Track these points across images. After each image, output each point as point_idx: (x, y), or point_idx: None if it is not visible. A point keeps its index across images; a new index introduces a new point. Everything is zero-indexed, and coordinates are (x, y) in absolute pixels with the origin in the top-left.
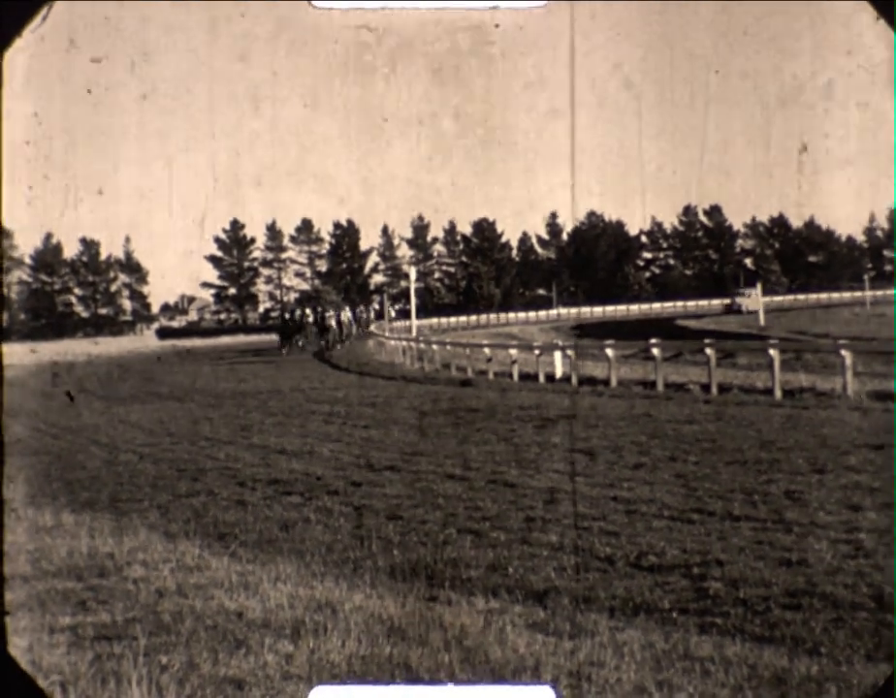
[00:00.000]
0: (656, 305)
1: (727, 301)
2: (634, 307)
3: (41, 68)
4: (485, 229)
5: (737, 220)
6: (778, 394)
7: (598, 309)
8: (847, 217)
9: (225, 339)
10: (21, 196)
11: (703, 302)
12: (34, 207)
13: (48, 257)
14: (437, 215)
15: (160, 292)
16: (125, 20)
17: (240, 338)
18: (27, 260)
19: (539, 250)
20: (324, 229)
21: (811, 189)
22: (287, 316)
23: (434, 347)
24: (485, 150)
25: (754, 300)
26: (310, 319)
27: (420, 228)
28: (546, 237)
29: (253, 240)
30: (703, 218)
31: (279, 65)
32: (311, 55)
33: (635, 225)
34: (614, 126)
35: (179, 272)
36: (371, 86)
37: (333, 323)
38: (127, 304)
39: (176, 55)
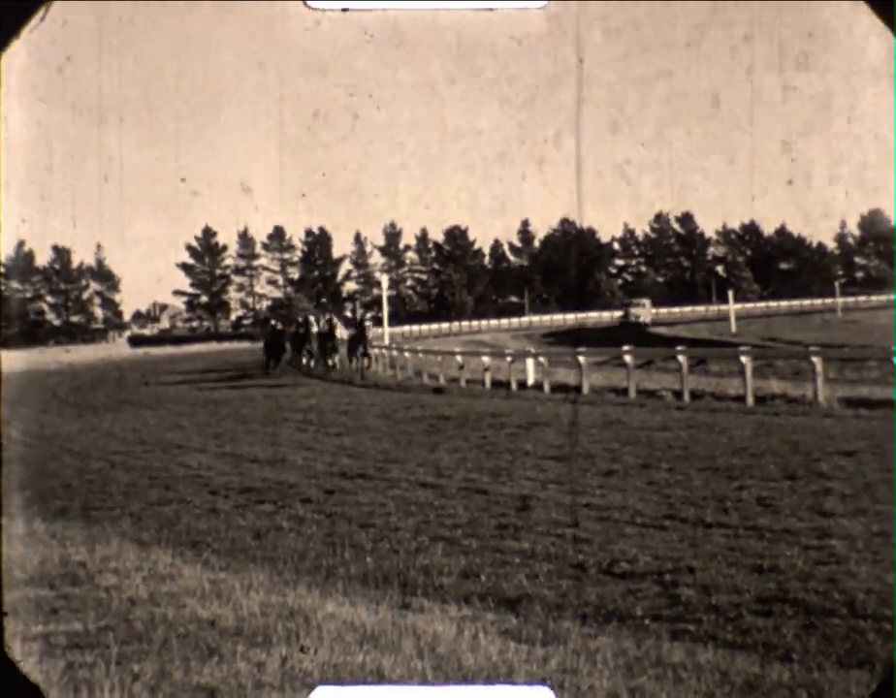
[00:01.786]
0: None
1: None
2: (606, 314)
3: (40, 69)
4: (457, 236)
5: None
6: (750, 400)
7: (571, 316)
8: (828, 223)
9: (197, 347)
10: (18, 199)
11: (675, 309)
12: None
13: (20, 265)
14: (409, 222)
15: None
16: (120, 21)
17: (213, 346)
18: None
19: (511, 257)
20: (296, 236)
21: (812, 194)
22: (278, 326)
23: (407, 355)
24: (471, 154)
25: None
26: (315, 329)
27: (392, 235)
28: (518, 244)
29: (225, 248)
30: (675, 225)
31: (270, 66)
32: (302, 56)
33: (607, 232)
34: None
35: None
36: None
37: (370, 333)
38: (99, 312)
39: (171, 55)
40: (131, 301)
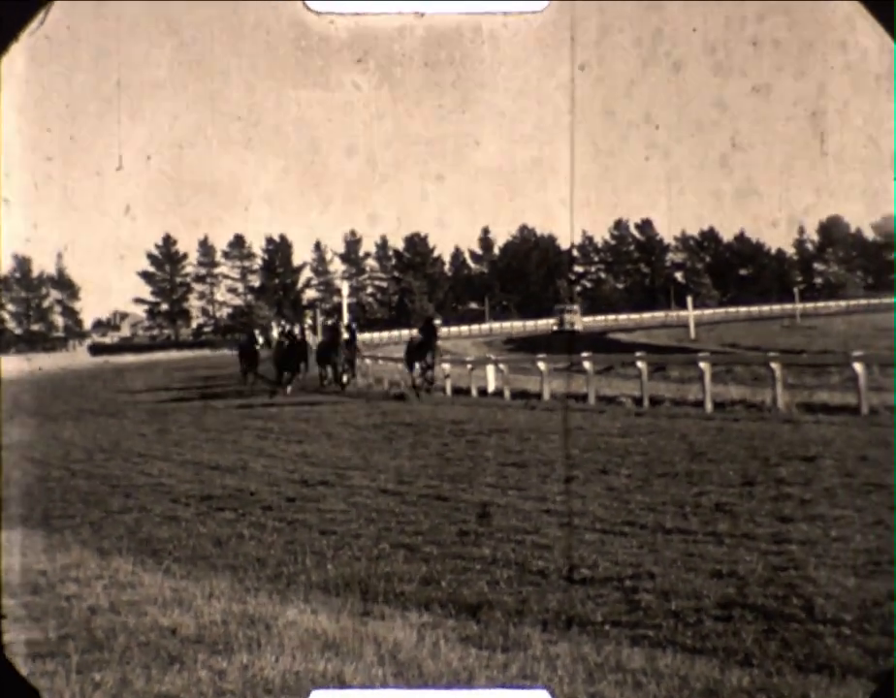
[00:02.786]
0: (588, 319)
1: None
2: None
3: (40, 70)
4: (417, 244)
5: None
6: (709, 406)
7: (531, 323)
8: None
9: (158, 355)
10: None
11: (635, 316)
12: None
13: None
14: (374, 230)
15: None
16: (117, 22)
17: (174, 354)
18: None
19: (472, 265)
20: (256, 244)
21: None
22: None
23: (367, 362)
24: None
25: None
26: (346, 335)
27: (352, 243)
28: (478, 251)
29: (185, 256)
30: (634, 232)
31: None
32: (297, 58)
33: (565, 238)
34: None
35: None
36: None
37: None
38: (59, 320)
39: (168, 57)
40: (92, 309)
